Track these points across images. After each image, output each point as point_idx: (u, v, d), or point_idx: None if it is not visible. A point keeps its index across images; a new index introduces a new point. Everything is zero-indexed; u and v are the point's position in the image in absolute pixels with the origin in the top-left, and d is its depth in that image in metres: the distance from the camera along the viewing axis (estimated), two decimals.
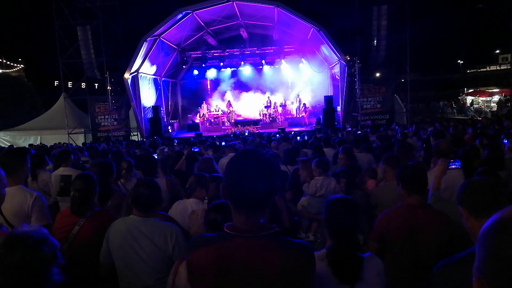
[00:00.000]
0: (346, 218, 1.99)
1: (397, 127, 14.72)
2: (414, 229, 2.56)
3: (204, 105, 23.06)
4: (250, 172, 1.41)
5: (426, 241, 2.55)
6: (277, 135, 13.27)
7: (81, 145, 16.46)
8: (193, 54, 23.18)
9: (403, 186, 2.74)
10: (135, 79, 19.43)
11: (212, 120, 22.25)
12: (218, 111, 22.72)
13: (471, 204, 1.89)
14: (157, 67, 21.17)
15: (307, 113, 21.97)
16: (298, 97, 23.12)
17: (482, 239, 0.92)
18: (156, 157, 7.26)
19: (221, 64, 23.50)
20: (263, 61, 23.35)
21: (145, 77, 20.31)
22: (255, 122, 21.92)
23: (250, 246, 1.40)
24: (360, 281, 1.89)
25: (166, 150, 9.23)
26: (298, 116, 22.66)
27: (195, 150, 7.34)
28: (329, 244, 2.01)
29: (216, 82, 24.83)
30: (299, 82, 23.73)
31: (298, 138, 11.08)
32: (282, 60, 23.03)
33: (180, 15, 18.58)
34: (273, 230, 1.45)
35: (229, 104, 23.08)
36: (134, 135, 21.44)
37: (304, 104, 22.06)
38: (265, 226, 1.45)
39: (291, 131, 17.37)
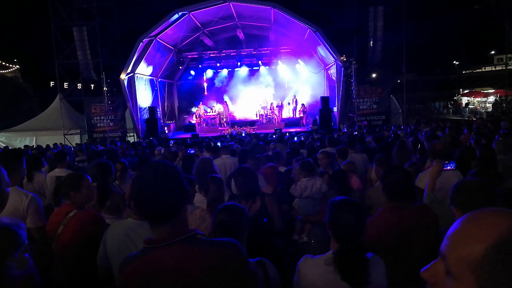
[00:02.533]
0: (352, 221, 1.94)
1: (392, 127, 14.78)
2: (402, 229, 2.53)
3: (201, 106, 23.03)
4: (150, 187, 1.44)
5: (416, 238, 2.52)
6: (274, 136, 13.28)
7: (75, 145, 16.39)
8: (190, 55, 23.16)
9: (385, 191, 2.64)
10: (131, 80, 19.40)
11: (209, 121, 22.23)
12: (214, 112, 22.70)
13: (464, 204, 1.91)
14: (153, 67, 21.14)
15: (304, 114, 22.00)
16: (295, 97, 23.14)
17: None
18: (153, 158, 7.24)
19: (218, 65, 23.49)
20: (260, 62, 23.37)
21: (141, 77, 20.27)
22: (251, 123, 21.92)
23: (168, 254, 1.44)
24: (368, 284, 1.87)
25: (162, 151, 9.22)
26: (294, 116, 22.69)
27: (191, 152, 7.34)
28: (335, 248, 1.96)
29: (212, 83, 24.81)
30: (295, 83, 23.76)
31: (295, 139, 11.10)
32: (279, 61, 23.05)
33: (177, 16, 18.57)
34: (189, 233, 1.48)
35: (225, 105, 23.05)
36: (130, 136, 21.38)
37: (302, 105, 22.08)
38: (181, 231, 1.47)
39: (288, 132, 17.38)
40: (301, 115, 21.79)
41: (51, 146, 15.19)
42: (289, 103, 23.44)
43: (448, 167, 3.06)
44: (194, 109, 23.65)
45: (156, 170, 1.49)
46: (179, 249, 1.44)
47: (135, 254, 1.52)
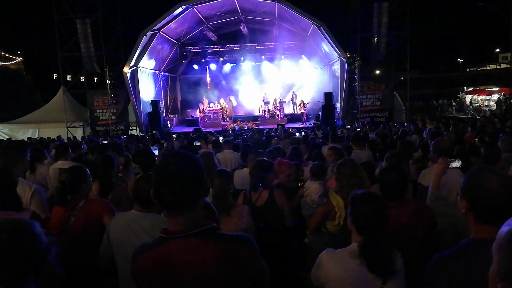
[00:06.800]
0: (375, 212, 1.97)
1: (397, 124, 14.76)
2: (399, 226, 2.52)
3: (204, 100, 23.01)
4: (171, 175, 1.44)
5: (413, 235, 2.54)
6: (278, 131, 13.31)
7: (80, 139, 16.41)
8: (193, 49, 23.11)
9: (381, 191, 2.69)
10: (134, 73, 19.37)
11: (212, 116, 22.21)
12: (217, 106, 22.68)
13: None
14: (156, 61, 21.10)
15: (304, 110, 21.92)
16: (297, 93, 23.06)
17: (507, 246, 0.87)
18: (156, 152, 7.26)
19: (221, 59, 23.43)
20: (263, 57, 23.29)
21: (144, 71, 20.24)
22: (254, 118, 21.89)
23: (183, 246, 1.44)
24: (396, 273, 1.90)
25: (165, 145, 9.24)
26: (297, 112, 22.63)
27: (196, 144, 7.35)
28: (359, 240, 1.98)
29: (215, 77, 24.76)
30: (298, 79, 23.69)
31: (297, 134, 11.09)
32: (282, 56, 22.96)
33: (180, 9, 18.49)
34: (206, 226, 1.48)
35: (228, 100, 23.00)
36: (133, 129, 21.39)
37: (302, 101, 22.00)
38: (198, 223, 1.47)
39: (290, 127, 17.37)
40: (302, 111, 21.72)
41: (56, 138, 15.21)
42: (292, 99, 23.38)
43: (454, 165, 3.03)
44: (199, 103, 23.61)
45: (178, 159, 1.50)
46: (194, 242, 1.44)
47: (149, 244, 1.53)
